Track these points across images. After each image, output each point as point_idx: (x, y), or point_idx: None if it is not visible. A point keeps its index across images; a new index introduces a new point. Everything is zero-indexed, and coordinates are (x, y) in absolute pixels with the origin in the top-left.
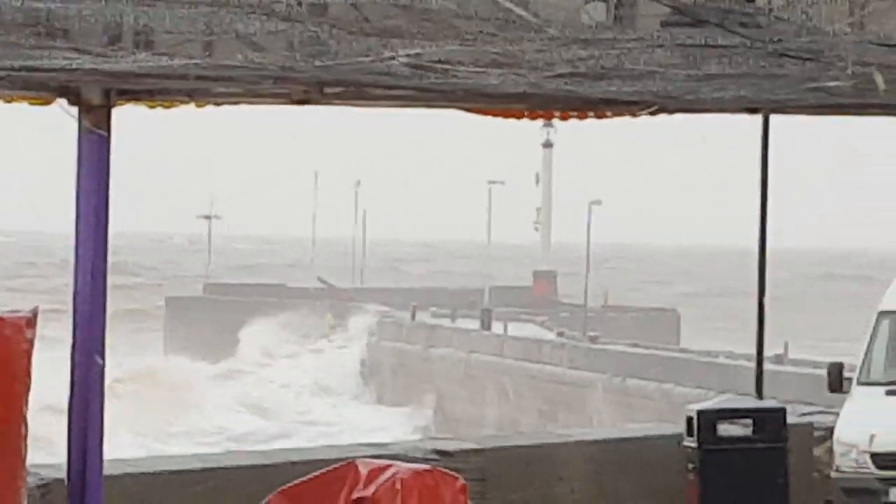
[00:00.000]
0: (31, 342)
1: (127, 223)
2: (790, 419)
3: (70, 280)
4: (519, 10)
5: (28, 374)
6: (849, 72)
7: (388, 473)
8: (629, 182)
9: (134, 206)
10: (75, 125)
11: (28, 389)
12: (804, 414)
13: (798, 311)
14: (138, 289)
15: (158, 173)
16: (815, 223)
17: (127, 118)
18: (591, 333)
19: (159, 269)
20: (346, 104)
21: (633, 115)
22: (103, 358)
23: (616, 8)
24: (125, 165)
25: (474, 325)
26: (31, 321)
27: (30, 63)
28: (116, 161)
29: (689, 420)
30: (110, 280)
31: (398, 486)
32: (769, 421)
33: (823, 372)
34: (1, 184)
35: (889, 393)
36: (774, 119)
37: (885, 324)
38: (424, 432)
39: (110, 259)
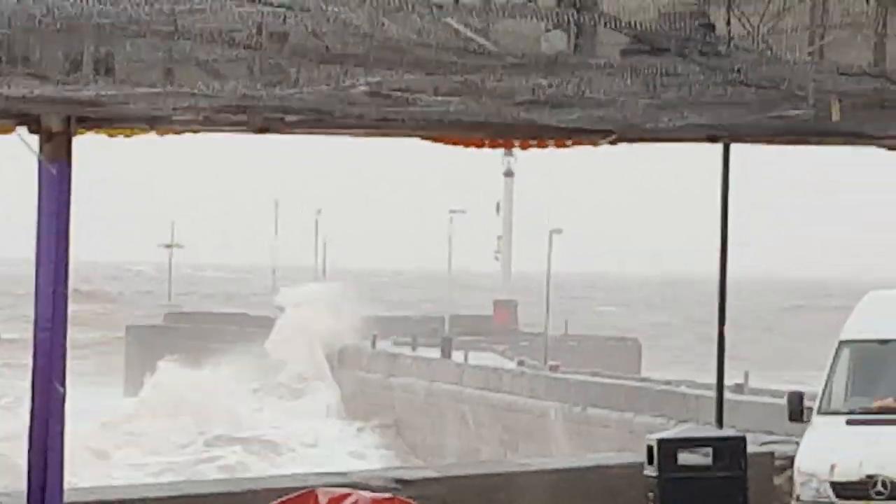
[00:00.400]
0: None
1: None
2: (750, 448)
3: None
4: (479, 39)
5: None
6: (810, 101)
7: (348, 501)
8: (590, 210)
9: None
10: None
11: None
12: (765, 443)
13: (760, 340)
14: (102, 317)
15: (120, 201)
16: (781, 251)
17: (87, 145)
18: (552, 363)
19: (125, 297)
20: (306, 132)
21: (594, 143)
22: (64, 385)
23: (576, 36)
24: (86, 193)
25: (435, 353)
26: None
27: None
28: (77, 189)
29: (650, 449)
30: (76, 307)
31: None
32: (729, 450)
33: (784, 401)
34: None
35: (850, 422)
36: (740, 146)
37: (846, 353)
38: (384, 458)
39: (77, 286)
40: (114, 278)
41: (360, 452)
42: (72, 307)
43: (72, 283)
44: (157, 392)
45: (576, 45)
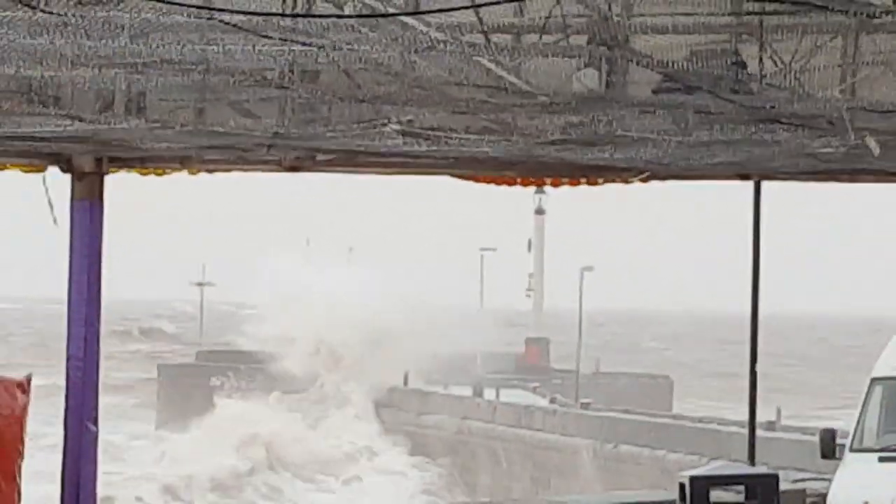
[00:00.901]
0: (24, 407)
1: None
2: (783, 485)
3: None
4: (511, 78)
5: (21, 440)
6: (850, 137)
7: None
8: (622, 248)
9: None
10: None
11: (21, 455)
12: (797, 480)
13: (792, 377)
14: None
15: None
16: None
17: (120, 184)
18: (584, 400)
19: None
20: (337, 171)
21: (625, 181)
22: (96, 424)
23: (608, 75)
24: (118, 232)
25: (467, 391)
26: (24, 386)
27: (22, 131)
28: (110, 227)
29: (682, 486)
30: (111, 348)
31: None
32: (762, 487)
33: (816, 438)
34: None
35: (882, 459)
36: (773, 184)
37: (878, 390)
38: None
39: (110, 326)
40: (147, 317)
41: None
42: (104, 347)
43: (104, 322)
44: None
45: (607, 84)
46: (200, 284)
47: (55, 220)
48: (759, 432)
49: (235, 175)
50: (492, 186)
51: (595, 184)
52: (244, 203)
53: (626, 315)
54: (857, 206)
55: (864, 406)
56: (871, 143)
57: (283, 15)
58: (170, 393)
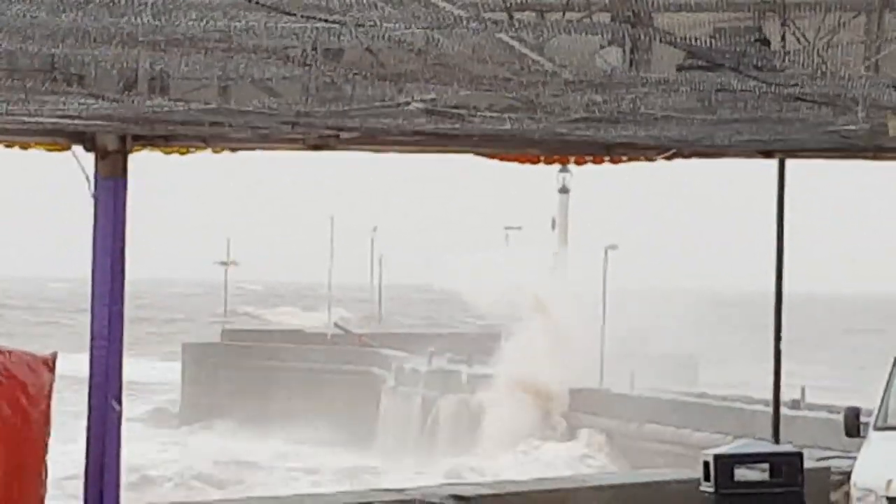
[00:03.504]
0: (49, 385)
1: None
2: (807, 464)
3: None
4: (534, 55)
5: (47, 417)
6: (861, 115)
7: None
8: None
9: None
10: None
11: (48, 432)
12: (821, 459)
13: (817, 355)
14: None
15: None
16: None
17: (143, 163)
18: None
19: (181, 314)
20: (361, 149)
21: (649, 159)
22: (120, 403)
23: (631, 52)
24: (142, 210)
25: (491, 370)
26: (50, 364)
27: (46, 109)
28: (134, 206)
29: (706, 465)
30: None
31: None
32: (786, 465)
33: (840, 417)
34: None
35: None
36: (797, 163)
37: None
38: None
39: (134, 304)
40: (170, 295)
41: None
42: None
43: (127, 301)
44: None
45: (631, 61)
46: (224, 263)
47: (92, 195)
48: (784, 410)
49: (258, 154)
50: (515, 165)
51: (619, 161)
52: (267, 182)
53: (651, 293)
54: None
55: (888, 384)
56: (892, 122)
57: None
58: None
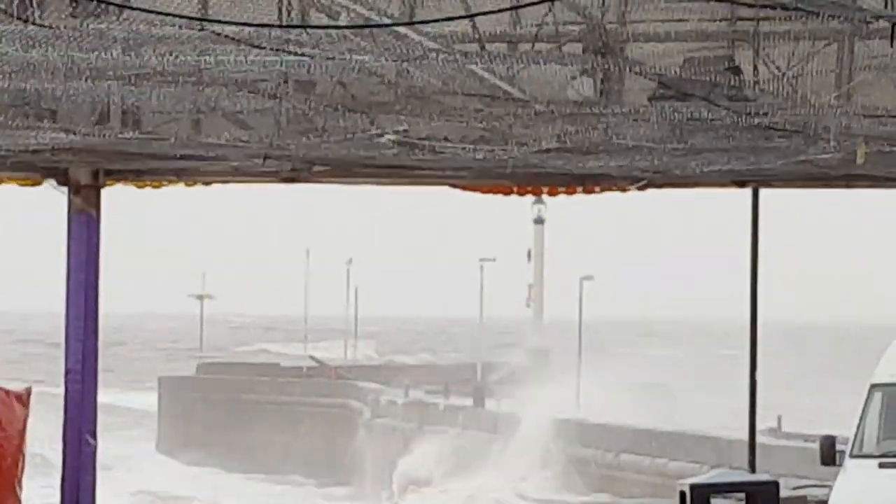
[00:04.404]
0: (24, 420)
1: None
2: (783, 492)
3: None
4: (505, 86)
5: (20, 451)
6: (833, 144)
7: None
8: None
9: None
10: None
11: (22, 468)
12: (797, 487)
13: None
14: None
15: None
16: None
17: (116, 196)
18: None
19: (156, 348)
20: (334, 181)
21: (622, 189)
22: (95, 438)
23: (603, 83)
24: (116, 244)
25: (468, 402)
26: (24, 399)
27: (18, 143)
28: (107, 240)
29: (682, 494)
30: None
31: None
32: (762, 494)
33: (816, 445)
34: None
35: (882, 465)
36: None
37: (878, 397)
38: None
39: (108, 337)
40: (147, 329)
41: None
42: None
43: (103, 334)
44: None
45: (602, 92)
46: (200, 297)
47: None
48: (760, 439)
49: (232, 187)
50: (489, 196)
51: (592, 192)
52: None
53: (628, 324)
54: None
55: (863, 412)
56: (860, 150)
57: (276, 26)
58: None
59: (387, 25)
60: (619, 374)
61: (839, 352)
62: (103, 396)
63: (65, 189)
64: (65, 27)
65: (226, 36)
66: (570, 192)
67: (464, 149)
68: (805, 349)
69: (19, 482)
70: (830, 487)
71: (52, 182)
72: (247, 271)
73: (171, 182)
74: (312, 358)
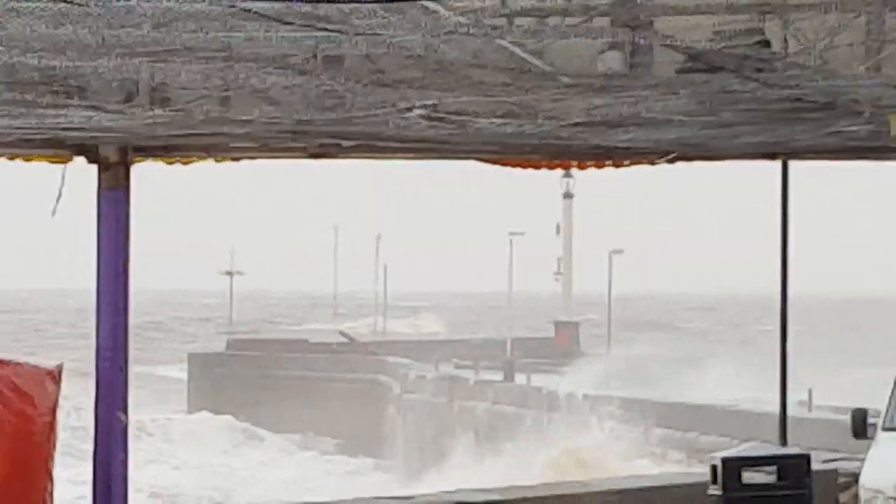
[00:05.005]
0: (55, 397)
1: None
2: (814, 465)
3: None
4: (534, 60)
5: (52, 429)
6: (864, 116)
7: None
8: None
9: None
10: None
11: (54, 445)
12: (828, 460)
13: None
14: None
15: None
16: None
17: (145, 174)
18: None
19: (185, 324)
20: (362, 157)
21: (651, 163)
22: (126, 414)
23: (631, 56)
24: (145, 221)
25: (497, 376)
26: (56, 376)
27: (47, 122)
28: (136, 217)
29: (714, 468)
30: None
31: None
32: (793, 468)
33: (848, 418)
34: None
35: None
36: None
37: None
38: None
39: (138, 315)
40: (174, 306)
41: None
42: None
43: (134, 312)
44: None
45: (631, 65)
46: (229, 273)
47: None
48: (791, 412)
49: (261, 163)
50: (518, 170)
51: (621, 165)
52: (271, 191)
53: (658, 298)
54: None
55: None
56: (893, 122)
57: (306, 1)
58: None
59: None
60: (650, 348)
61: (876, 325)
62: (136, 371)
63: (93, 167)
64: (94, 4)
65: (255, 12)
66: (599, 166)
67: (492, 123)
68: (842, 322)
69: (52, 462)
70: (862, 460)
71: (82, 159)
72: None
73: (199, 158)
74: (342, 333)
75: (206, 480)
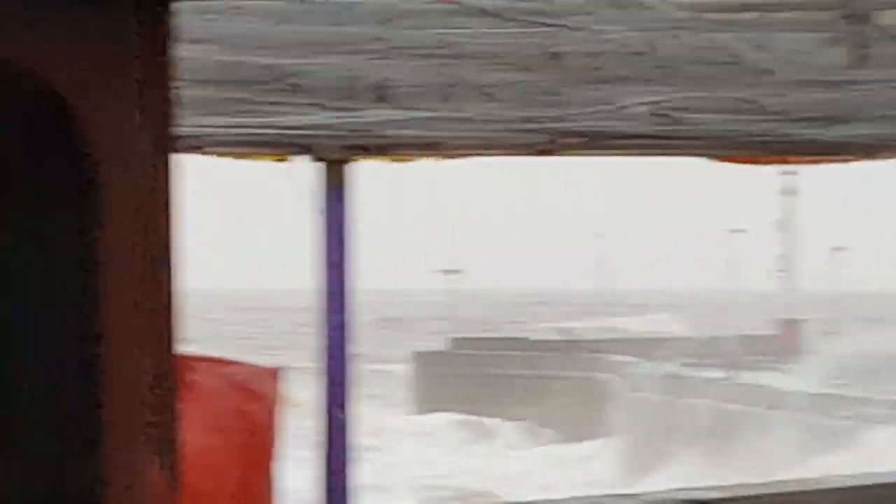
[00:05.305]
0: (273, 398)
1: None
2: None
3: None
4: (754, 54)
5: (272, 429)
6: None
7: None
8: (877, 226)
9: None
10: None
11: (272, 443)
12: None
13: None
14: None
15: (397, 227)
16: None
17: (364, 172)
18: (840, 381)
19: (407, 323)
20: (584, 154)
21: (874, 159)
22: (345, 412)
23: (853, 50)
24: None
25: (721, 374)
26: (274, 375)
27: (269, 121)
28: (357, 216)
29: None
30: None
31: None
32: None
33: None
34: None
35: None
36: None
37: None
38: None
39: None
40: (397, 305)
41: None
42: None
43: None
44: None
45: (854, 59)
46: (448, 272)
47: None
48: None
49: (478, 162)
50: (736, 167)
51: (844, 161)
52: (488, 190)
53: (884, 297)
54: None
55: None
56: None
57: None
58: None
59: None
60: (876, 346)
61: None
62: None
63: (313, 165)
64: (318, 1)
65: (479, 9)
66: (823, 162)
67: (713, 119)
68: None
69: (273, 465)
70: None
71: (302, 158)
72: (497, 246)
73: (420, 156)
74: (563, 331)
75: (447, 480)
